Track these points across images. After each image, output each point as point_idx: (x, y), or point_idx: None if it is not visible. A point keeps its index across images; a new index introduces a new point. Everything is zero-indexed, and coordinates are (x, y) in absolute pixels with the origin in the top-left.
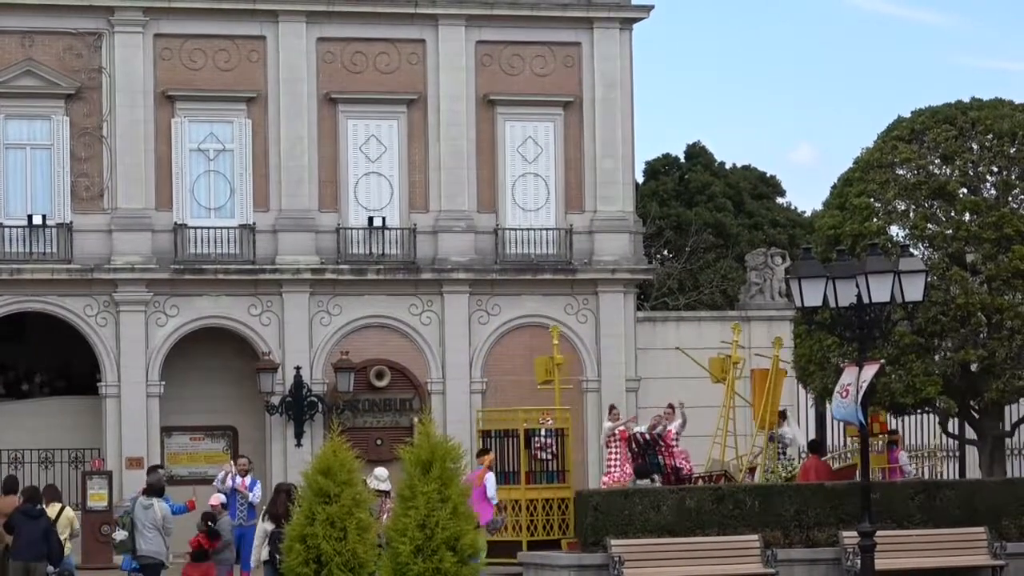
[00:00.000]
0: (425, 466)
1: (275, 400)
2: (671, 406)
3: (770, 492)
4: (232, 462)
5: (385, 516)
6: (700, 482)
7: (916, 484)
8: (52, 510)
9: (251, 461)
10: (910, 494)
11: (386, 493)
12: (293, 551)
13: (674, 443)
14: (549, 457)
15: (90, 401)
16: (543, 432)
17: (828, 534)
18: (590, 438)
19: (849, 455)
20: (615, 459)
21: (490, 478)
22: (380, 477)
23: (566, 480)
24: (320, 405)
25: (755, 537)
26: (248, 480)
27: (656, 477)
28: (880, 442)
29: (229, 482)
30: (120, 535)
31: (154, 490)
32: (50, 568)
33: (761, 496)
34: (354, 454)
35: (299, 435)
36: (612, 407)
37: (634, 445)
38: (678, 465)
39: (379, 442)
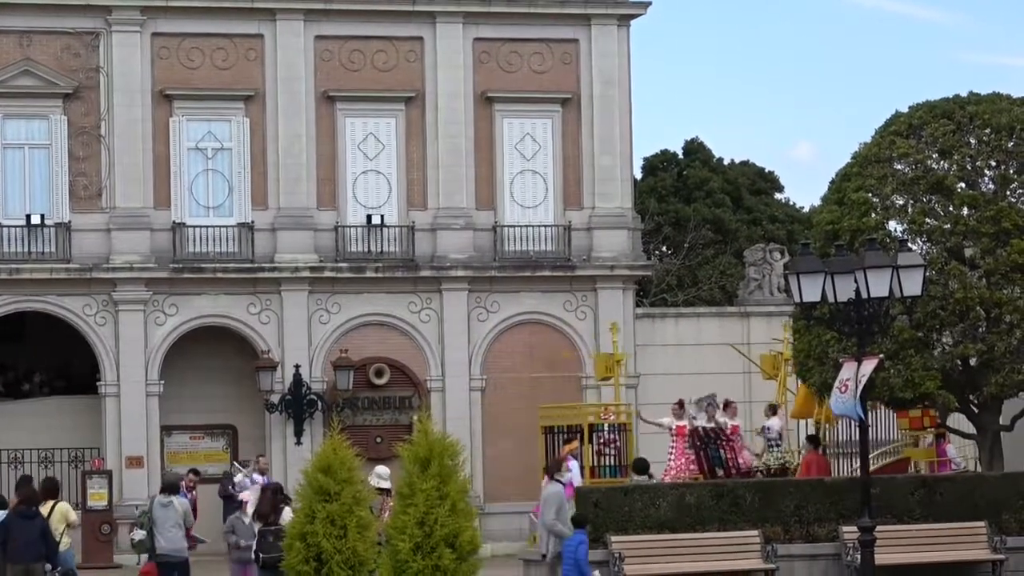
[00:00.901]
0: (424, 463)
1: (275, 398)
2: (680, 403)
3: (770, 488)
4: (255, 460)
5: (386, 514)
6: (759, 475)
7: (916, 479)
8: (46, 508)
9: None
10: (910, 489)
11: (387, 491)
12: (293, 549)
13: (737, 437)
14: (613, 452)
15: (89, 400)
16: (606, 427)
17: (828, 529)
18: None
19: (899, 449)
20: (673, 453)
21: (574, 466)
22: (382, 475)
23: (627, 475)
24: (320, 403)
25: (755, 533)
26: (265, 480)
27: (652, 474)
28: (929, 436)
29: (249, 481)
30: (139, 535)
31: (170, 487)
32: (48, 567)
33: (761, 492)
34: (354, 452)
35: (299, 433)
36: (679, 402)
37: (696, 440)
38: (740, 460)
39: (379, 440)
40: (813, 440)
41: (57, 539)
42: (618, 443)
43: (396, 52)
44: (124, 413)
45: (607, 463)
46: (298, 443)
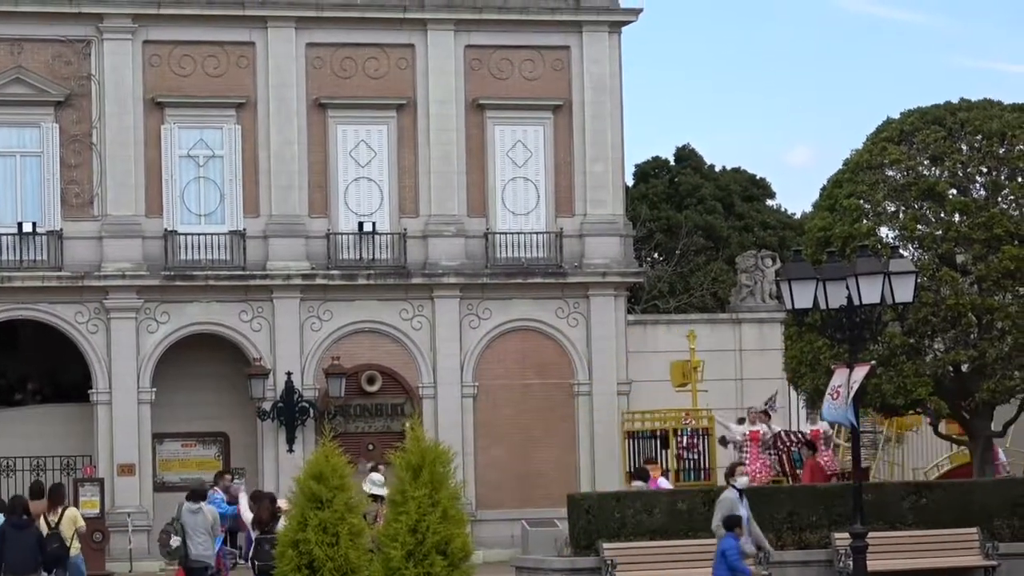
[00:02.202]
0: (415, 471)
1: (266, 406)
2: (769, 406)
3: (762, 494)
4: (221, 477)
5: (380, 521)
6: (834, 479)
7: (908, 485)
8: (55, 515)
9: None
10: (902, 495)
11: (382, 498)
12: (286, 557)
13: (820, 442)
14: (695, 456)
15: (81, 408)
16: (688, 432)
17: (820, 536)
18: (581, 440)
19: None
20: (747, 458)
21: (663, 482)
22: (376, 482)
23: (711, 477)
24: (311, 410)
25: (747, 539)
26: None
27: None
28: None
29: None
30: (175, 541)
31: (197, 494)
32: (44, 575)
33: (753, 498)
34: (346, 459)
35: (291, 441)
36: (751, 409)
37: (779, 443)
38: (822, 463)
39: (371, 447)
40: (811, 446)
41: (68, 545)
42: (699, 447)
43: (387, 59)
44: (116, 421)
45: (688, 467)
46: (290, 450)
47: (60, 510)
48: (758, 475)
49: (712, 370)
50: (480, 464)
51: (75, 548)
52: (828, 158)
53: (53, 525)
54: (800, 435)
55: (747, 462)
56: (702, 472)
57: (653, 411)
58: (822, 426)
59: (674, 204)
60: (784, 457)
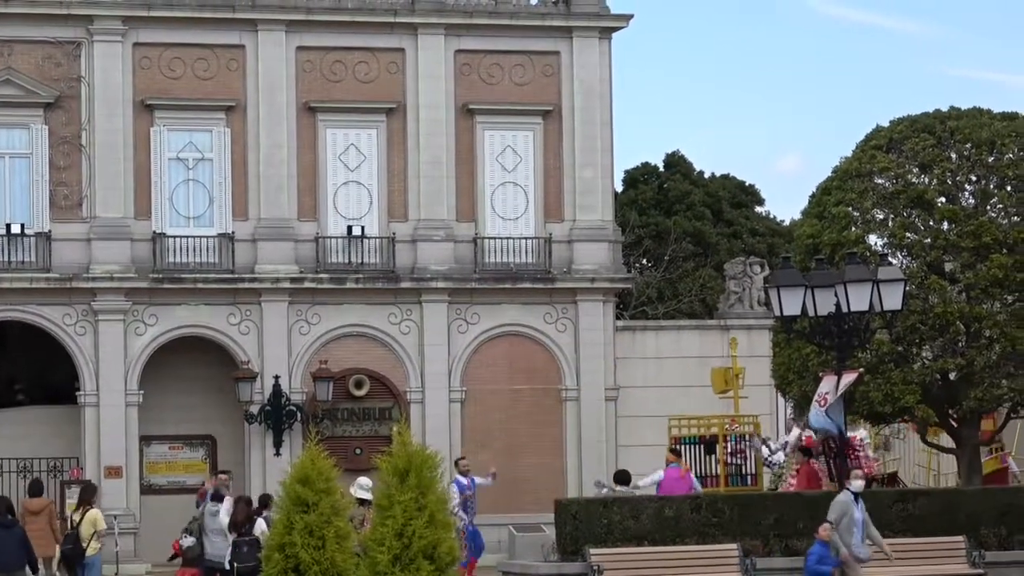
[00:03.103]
0: (402, 475)
1: (254, 409)
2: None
3: (749, 501)
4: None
5: (367, 525)
6: (874, 484)
7: (895, 493)
8: (78, 515)
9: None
10: (888, 503)
11: (369, 503)
12: (272, 560)
13: (859, 448)
14: (740, 461)
15: (68, 410)
16: (734, 438)
17: (807, 543)
18: (569, 446)
19: (999, 451)
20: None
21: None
22: (364, 486)
23: (756, 483)
24: (299, 414)
25: (734, 546)
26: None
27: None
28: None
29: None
30: (188, 541)
31: (219, 496)
32: (29, 573)
33: (740, 505)
34: (332, 463)
35: (278, 444)
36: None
37: (828, 448)
38: (869, 468)
39: (358, 451)
40: (806, 451)
41: (84, 545)
42: (745, 453)
43: (377, 63)
44: (103, 423)
45: (735, 473)
46: (277, 454)
47: (83, 510)
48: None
49: (701, 376)
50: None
51: (92, 548)
52: (818, 165)
53: (75, 524)
54: (852, 441)
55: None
56: (748, 478)
57: (699, 417)
58: (859, 432)
59: (663, 210)
60: (835, 462)
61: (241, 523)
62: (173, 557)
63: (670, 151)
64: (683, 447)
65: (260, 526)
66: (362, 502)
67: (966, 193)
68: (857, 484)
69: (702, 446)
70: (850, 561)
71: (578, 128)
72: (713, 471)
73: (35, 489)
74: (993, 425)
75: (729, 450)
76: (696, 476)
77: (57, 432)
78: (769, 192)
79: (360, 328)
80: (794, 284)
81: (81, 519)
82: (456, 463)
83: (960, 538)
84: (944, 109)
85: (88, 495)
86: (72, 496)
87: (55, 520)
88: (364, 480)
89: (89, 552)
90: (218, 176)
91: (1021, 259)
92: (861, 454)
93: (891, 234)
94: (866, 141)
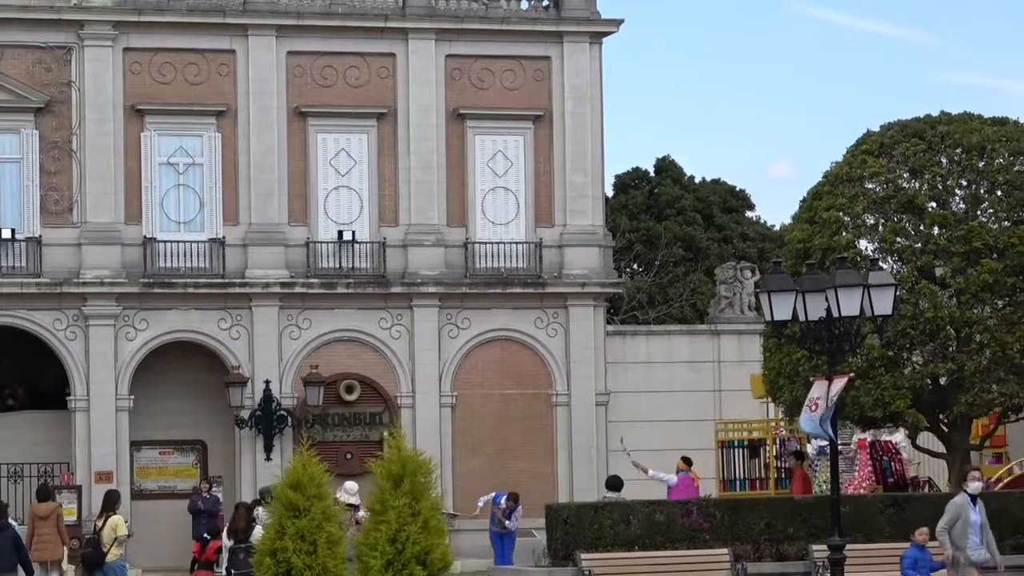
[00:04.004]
0: (396, 480)
1: (244, 414)
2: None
3: (740, 506)
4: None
5: (354, 529)
6: (909, 488)
7: (886, 498)
8: (101, 521)
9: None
10: (880, 507)
11: (355, 507)
12: (263, 565)
13: (899, 452)
14: (787, 466)
15: (59, 415)
16: (778, 442)
17: (798, 548)
18: (559, 451)
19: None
20: (857, 465)
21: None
22: (349, 491)
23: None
24: (289, 419)
25: (725, 551)
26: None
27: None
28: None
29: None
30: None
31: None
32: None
33: (731, 510)
34: (324, 468)
35: (268, 449)
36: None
37: (875, 452)
38: (906, 471)
39: (349, 456)
40: (799, 455)
41: (105, 550)
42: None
43: (368, 68)
44: (94, 428)
45: (781, 477)
46: (268, 459)
47: (106, 516)
48: (865, 483)
49: (691, 381)
50: (458, 474)
51: (113, 554)
52: (809, 170)
53: (97, 530)
54: (891, 444)
55: (857, 468)
56: (789, 482)
57: (745, 421)
58: (897, 438)
59: (654, 215)
60: (879, 465)
61: (241, 529)
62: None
63: (661, 156)
64: (729, 450)
65: (257, 533)
66: (348, 506)
67: (956, 198)
68: (974, 486)
69: (747, 450)
70: (961, 564)
71: (569, 133)
72: (759, 474)
73: (43, 494)
74: (983, 430)
75: (775, 453)
76: (742, 479)
77: (47, 437)
78: (760, 197)
79: (351, 333)
80: (784, 289)
81: (103, 525)
82: None
83: None
84: (935, 114)
85: (111, 502)
86: (70, 501)
87: (62, 524)
88: (350, 484)
89: (109, 558)
90: (209, 181)
91: (1011, 264)
92: (904, 456)
93: (882, 239)
94: (857, 146)
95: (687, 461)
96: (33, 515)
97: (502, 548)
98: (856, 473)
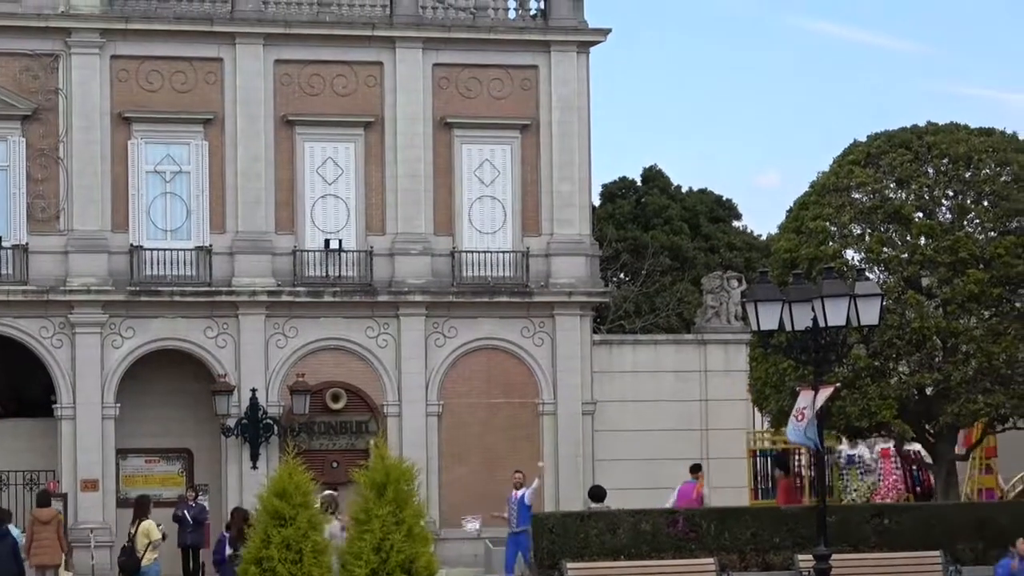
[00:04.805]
0: (380, 489)
1: (231, 422)
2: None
3: (726, 515)
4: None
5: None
6: (933, 498)
7: (871, 507)
8: (135, 527)
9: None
10: (866, 517)
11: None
12: (249, 574)
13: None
14: (813, 474)
15: (45, 423)
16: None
17: (784, 557)
18: (546, 460)
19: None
20: (881, 474)
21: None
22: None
23: (832, 495)
24: (276, 427)
25: (711, 560)
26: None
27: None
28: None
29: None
30: None
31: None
32: None
33: (717, 519)
34: (310, 476)
35: (255, 457)
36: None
37: (906, 462)
38: (931, 480)
39: (335, 465)
40: (783, 465)
41: (140, 555)
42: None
43: (355, 77)
44: (80, 436)
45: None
46: (254, 467)
47: (138, 523)
48: (892, 492)
49: (677, 390)
50: (444, 483)
51: (147, 559)
52: (797, 180)
53: (131, 536)
54: (918, 454)
55: (881, 477)
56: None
57: (776, 430)
58: (915, 445)
59: (640, 224)
60: (908, 473)
61: (236, 537)
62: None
63: (648, 165)
64: (757, 460)
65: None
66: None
67: (943, 208)
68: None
69: (773, 460)
70: None
71: (556, 142)
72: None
73: (44, 500)
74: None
75: (805, 463)
76: (767, 488)
77: (33, 445)
78: (748, 207)
79: (337, 341)
80: (771, 299)
81: (136, 530)
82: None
83: (936, 553)
84: (921, 124)
85: (144, 508)
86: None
87: (62, 530)
88: (330, 493)
89: (144, 562)
90: (196, 189)
91: (998, 274)
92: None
93: (868, 249)
94: (843, 156)
95: (696, 468)
96: (34, 520)
97: (515, 550)
98: (882, 482)
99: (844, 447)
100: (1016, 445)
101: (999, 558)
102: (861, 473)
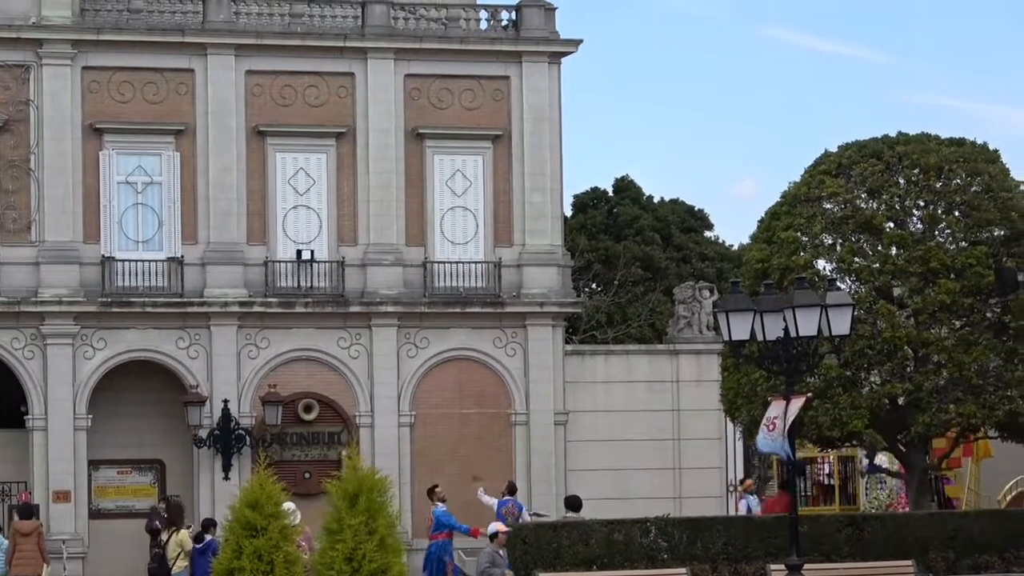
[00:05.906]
0: (352, 499)
1: (203, 433)
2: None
3: (698, 525)
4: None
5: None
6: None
7: (844, 517)
8: (167, 536)
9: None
10: (838, 527)
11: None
12: None
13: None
14: (834, 483)
15: (17, 434)
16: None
17: (756, 567)
18: (518, 470)
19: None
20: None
21: (753, 499)
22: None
23: (855, 503)
24: (248, 438)
25: (683, 570)
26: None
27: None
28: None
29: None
30: None
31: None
32: None
33: (689, 529)
34: (281, 487)
35: (227, 468)
36: None
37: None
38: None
39: (307, 475)
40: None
41: (171, 565)
42: (844, 475)
43: (327, 88)
44: (51, 447)
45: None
46: (226, 478)
47: (171, 531)
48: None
49: (649, 400)
50: (417, 493)
51: (178, 566)
52: (773, 190)
53: (162, 544)
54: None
55: (902, 488)
56: (846, 497)
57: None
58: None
59: (612, 235)
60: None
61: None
62: None
63: (619, 176)
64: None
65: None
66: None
67: (914, 218)
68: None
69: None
70: None
71: (528, 153)
72: (805, 491)
73: (26, 512)
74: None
75: (827, 471)
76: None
77: (5, 456)
78: (721, 217)
79: (309, 352)
80: (743, 309)
81: (168, 539)
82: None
83: (909, 562)
84: (892, 134)
85: (178, 516)
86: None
87: (43, 541)
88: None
89: (175, 570)
90: (167, 200)
91: (968, 284)
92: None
93: (839, 259)
94: (815, 166)
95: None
96: (15, 532)
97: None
98: (902, 493)
99: (863, 455)
100: (1009, 455)
101: (971, 567)
102: (880, 482)
